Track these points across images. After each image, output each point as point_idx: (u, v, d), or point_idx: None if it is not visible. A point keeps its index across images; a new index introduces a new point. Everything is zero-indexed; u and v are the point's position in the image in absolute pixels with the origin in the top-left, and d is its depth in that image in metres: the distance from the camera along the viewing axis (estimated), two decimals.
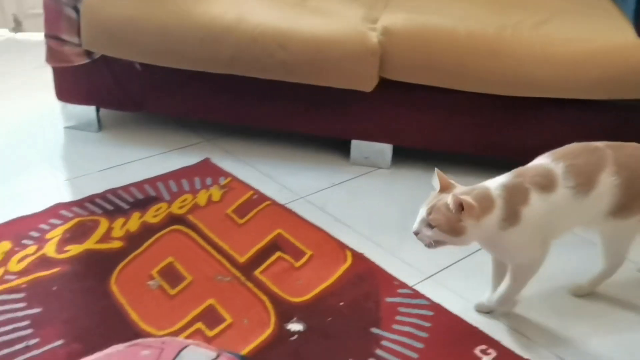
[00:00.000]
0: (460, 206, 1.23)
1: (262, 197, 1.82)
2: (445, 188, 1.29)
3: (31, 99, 2.30)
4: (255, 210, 1.76)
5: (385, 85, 1.86)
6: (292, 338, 1.35)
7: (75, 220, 1.67)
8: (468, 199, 1.24)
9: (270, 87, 1.91)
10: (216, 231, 1.67)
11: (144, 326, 1.35)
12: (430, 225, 1.26)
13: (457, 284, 1.54)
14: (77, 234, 1.62)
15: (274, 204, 1.79)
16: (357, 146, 2.01)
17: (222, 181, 1.89)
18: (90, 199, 1.76)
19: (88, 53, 1.96)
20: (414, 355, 1.33)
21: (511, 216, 1.28)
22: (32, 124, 2.15)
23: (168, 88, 2.02)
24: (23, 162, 1.95)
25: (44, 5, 1.94)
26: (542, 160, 1.37)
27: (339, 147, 2.06)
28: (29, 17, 2.82)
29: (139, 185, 1.84)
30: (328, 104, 1.95)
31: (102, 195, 1.78)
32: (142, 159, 1.99)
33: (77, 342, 1.30)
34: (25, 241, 1.58)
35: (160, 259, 1.56)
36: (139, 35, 1.85)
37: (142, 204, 1.76)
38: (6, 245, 1.55)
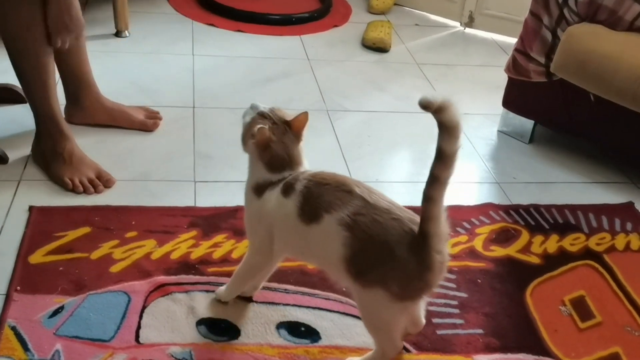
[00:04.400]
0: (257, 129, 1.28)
1: None
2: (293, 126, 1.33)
3: (478, 96, 2.55)
4: None
5: None
6: None
7: (501, 224, 1.85)
8: (262, 125, 1.27)
9: None
10: (631, 280, 1.69)
11: (552, 347, 1.47)
12: None
13: None
14: (501, 237, 1.80)
15: None
16: None
17: None
18: (515, 208, 1.93)
19: (548, 74, 2.10)
20: None
21: (259, 185, 1.32)
22: (476, 121, 2.39)
23: (615, 124, 2.05)
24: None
25: (525, 22, 2.12)
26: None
27: None
28: (482, 15, 3.08)
29: (560, 208, 1.95)
30: None
31: (526, 208, 1.93)
32: (565, 183, 2.09)
33: (494, 337, 1.48)
34: (459, 229, 1.81)
35: (572, 288, 1.66)
36: (610, 73, 1.90)
37: (561, 228, 1.86)
38: None
